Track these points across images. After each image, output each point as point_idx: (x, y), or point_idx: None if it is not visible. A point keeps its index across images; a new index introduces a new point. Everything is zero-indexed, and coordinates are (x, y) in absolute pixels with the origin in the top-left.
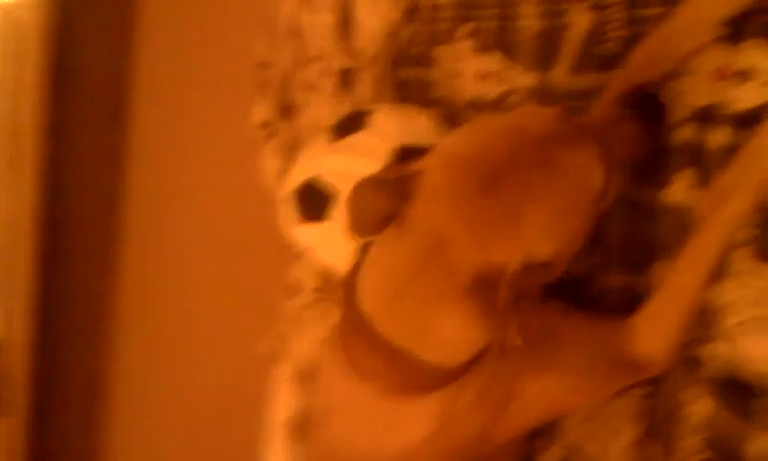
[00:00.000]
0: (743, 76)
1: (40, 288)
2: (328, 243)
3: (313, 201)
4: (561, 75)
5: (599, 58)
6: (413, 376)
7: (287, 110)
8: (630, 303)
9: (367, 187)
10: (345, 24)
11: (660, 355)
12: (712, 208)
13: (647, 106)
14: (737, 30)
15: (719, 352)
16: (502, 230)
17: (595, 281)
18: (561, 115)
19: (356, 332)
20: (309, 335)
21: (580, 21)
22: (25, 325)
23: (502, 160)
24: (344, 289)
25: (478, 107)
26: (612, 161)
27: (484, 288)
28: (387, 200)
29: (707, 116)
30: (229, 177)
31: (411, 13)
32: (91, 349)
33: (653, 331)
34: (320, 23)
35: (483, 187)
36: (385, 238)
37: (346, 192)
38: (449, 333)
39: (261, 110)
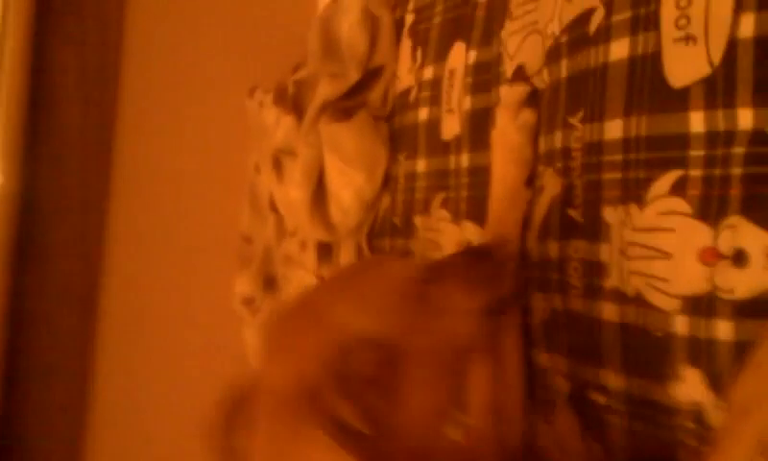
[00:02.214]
0: (735, 260)
1: None
2: None
3: None
4: (532, 242)
5: (561, 225)
6: None
7: (270, 284)
8: None
9: None
10: (318, 198)
11: None
12: (737, 421)
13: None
14: (715, 207)
15: None
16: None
17: None
18: None
19: None
20: None
21: (551, 186)
22: None
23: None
24: None
25: None
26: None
27: None
28: None
29: (701, 307)
30: (214, 353)
31: (386, 184)
32: None
33: None
34: (293, 198)
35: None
36: None
37: None
38: None
39: (244, 285)
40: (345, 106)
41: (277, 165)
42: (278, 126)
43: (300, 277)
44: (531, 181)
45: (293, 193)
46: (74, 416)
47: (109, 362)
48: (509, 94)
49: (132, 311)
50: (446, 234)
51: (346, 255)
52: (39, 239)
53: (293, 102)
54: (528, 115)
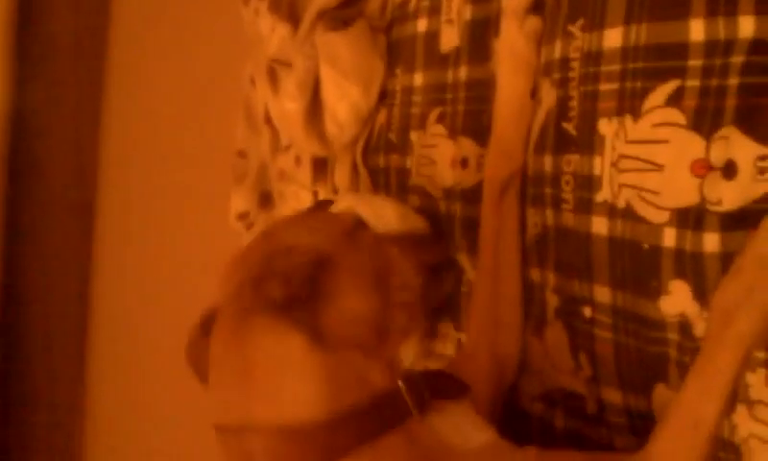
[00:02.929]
0: (725, 171)
1: None
2: None
3: None
4: (528, 156)
5: (556, 138)
6: None
7: (265, 200)
8: (631, 422)
9: None
10: (313, 111)
11: None
12: (719, 326)
13: None
14: (710, 118)
15: None
16: None
17: (591, 395)
18: None
19: None
20: None
21: (547, 99)
22: None
23: None
24: None
25: (454, 195)
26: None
27: None
28: None
29: (689, 219)
30: (210, 265)
31: (383, 98)
32: None
33: None
34: (288, 110)
35: None
36: None
37: None
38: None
39: (239, 201)
40: (342, 15)
41: (272, 76)
42: (273, 34)
43: (295, 192)
44: (533, 93)
45: (287, 105)
46: (74, 325)
47: (106, 273)
48: (514, 1)
49: (128, 223)
50: (442, 150)
51: (341, 171)
52: (34, 152)
53: (289, 10)
54: (535, 22)
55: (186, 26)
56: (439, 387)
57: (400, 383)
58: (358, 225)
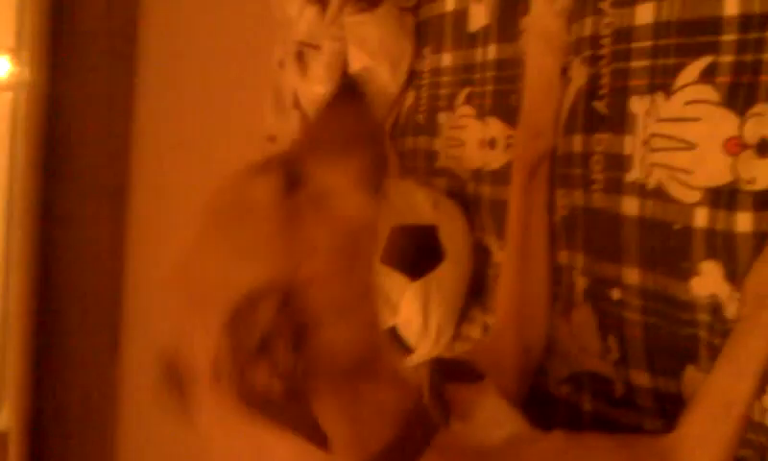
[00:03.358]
0: (759, 148)
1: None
2: None
3: None
4: (558, 136)
5: (586, 117)
6: None
7: None
8: (660, 405)
9: None
10: None
11: None
12: (752, 308)
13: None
14: (743, 95)
15: None
16: None
17: (619, 378)
18: None
19: None
20: None
21: (578, 77)
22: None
23: None
24: None
25: (482, 177)
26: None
27: None
28: None
29: (722, 198)
30: None
31: (410, 79)
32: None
33: (700, 450)
34: (317, 94)
35: None
36: None
37: None
38: None
39: None
40: None
41: (301, 59)
42: (301, 17)
43: None
44: (563, 72)
45: (317, 89)
46: (108, 307)
47: (140, 254)
48: None
49: (160, 208)
50: (470, 131)
51: None
52: (67, 134)
53: None
54: (565, 0)
55: (216, 8)
56: (456, 379)
57: (424, 401)
58: (278, 196)
